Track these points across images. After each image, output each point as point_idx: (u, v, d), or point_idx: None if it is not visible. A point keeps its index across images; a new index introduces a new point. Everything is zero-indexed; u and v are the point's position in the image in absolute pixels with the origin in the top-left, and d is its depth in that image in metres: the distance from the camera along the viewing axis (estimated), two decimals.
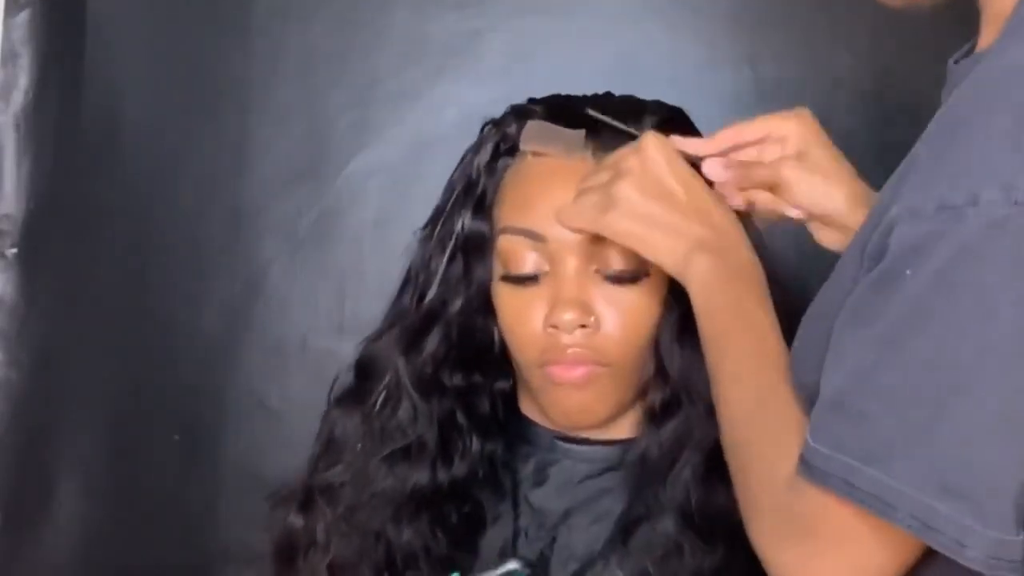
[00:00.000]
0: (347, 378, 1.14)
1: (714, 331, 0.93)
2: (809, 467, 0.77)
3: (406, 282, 1.13)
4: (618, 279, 1.03)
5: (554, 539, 1.07)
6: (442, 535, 1.08)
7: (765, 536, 0.83)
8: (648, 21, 1.50)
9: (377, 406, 1.10)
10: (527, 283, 1.04)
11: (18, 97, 1.50)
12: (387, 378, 1.10)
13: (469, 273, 1.08)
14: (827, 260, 0.90)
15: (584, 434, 1.09)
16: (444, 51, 1.53)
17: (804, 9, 1.48)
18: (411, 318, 1.10)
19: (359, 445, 1.10)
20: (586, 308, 1.02)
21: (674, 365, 1.04)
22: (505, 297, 1.06)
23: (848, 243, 0.88)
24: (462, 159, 1.11)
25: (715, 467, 0.99)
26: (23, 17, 1.49)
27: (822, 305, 0.86)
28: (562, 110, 1.07)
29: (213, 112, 1.55)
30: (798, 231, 1.05)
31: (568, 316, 1.01)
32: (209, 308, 1.55)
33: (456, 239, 1.08)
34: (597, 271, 1.03)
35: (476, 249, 1.08)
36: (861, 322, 0.76)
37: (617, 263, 1.02)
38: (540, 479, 1.09)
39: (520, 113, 1.09)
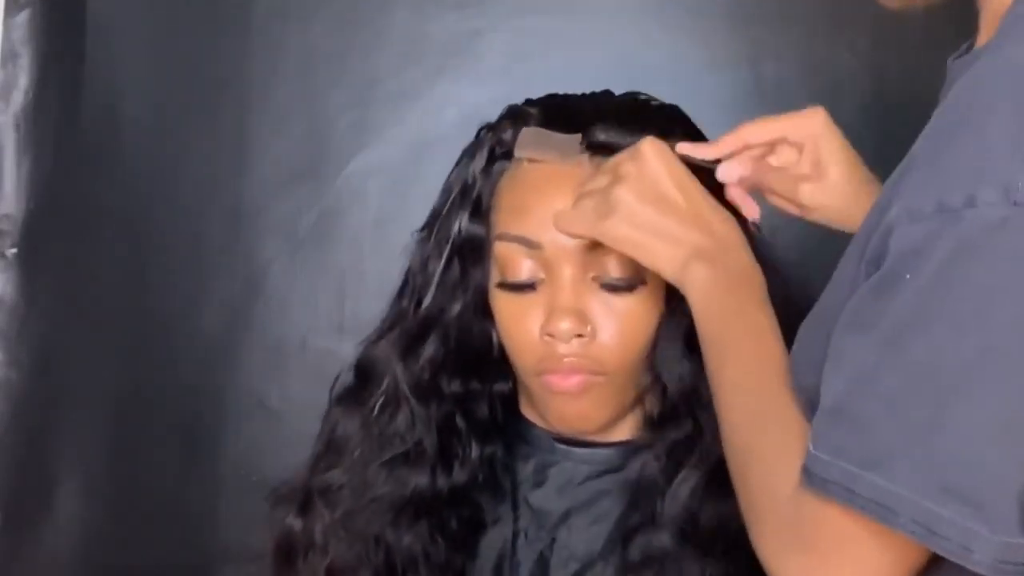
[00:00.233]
0: (348, 378, 1.14)
1: (714, 338, 0.92)
2: (810, 475, 0.77)
3: (404, 285, 1.12)
4: (615, 287, 1.02)
5: (554, 540, 1.07)
6: (441, 540, 1.08)
7: (768, 544, 0.82)
8: (648, 21, 1.50)
9: (376, 411, 1.10)
10: (523, 291, 1.03)
11: (18, 97, 1.50)
12: (385, 383, 1.09)
13: (466, 277, 1.08)
14: (831, 257, 0.90)
15: (584, 436, 1.08)
16: (444, 51, 1.53)
17: (804, 9, 1.48)
18: (408, 323, 1.09)
19: (357, 451, 1.10)
20: (582, 317, 1.01)
21: (673, 378, 1.04)
22: (502, 304, 1.05)
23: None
24: (458, 162, 1.11)
25: (714, 480, 0.99)
26: (23, 17, 1.49)
27: (822, 308, 0.85)
28: (558, 112, 1.07)
29: (213, 112, 1.55)
30: (799, 231, 1.05)
31: (564, 325, 1.01)
32: (209, 308, 1.55)
33: (453, 243, 1.07)
34: (594, 279, 1.02)
35: (473, 253, 1.07)
36: (861, 327, 0.76)
37: (614, 271, 1.02)
38: (540, 480, 1.09)
39: (516, 116, 1.08)
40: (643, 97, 1.11)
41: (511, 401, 1.13)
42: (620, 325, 1.02)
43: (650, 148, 0.96)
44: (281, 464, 1.18)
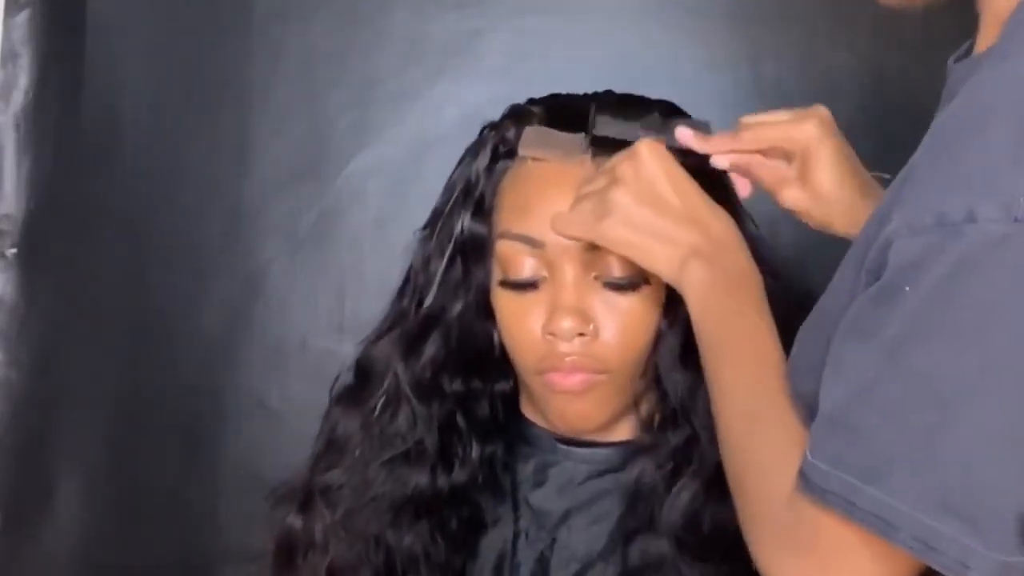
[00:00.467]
0: (348, 377, 1.14)
1: (711, 340, 0.92)
2: (808, 483, 0.76)
3: (405, 283, 1.12)
4: (617, 286, 1.02)
5: (554, 540, 1.07)
6: (442, 540, 1.08)
7: (765, 549, 0.82)
8: (648, 21, 1.50)
9: (376, 411, 1.10)
10: (526, 289, 1.04)
11: (18, 97, 1.50)
12: (386, 383, 1.10)
13: (468, 276, 1.08)
14: (830, 258, 0.90)
15: (585, 436, 1.08)
16: (444, 51, 1.53)
17: (804, 9, 1.48)
18: (410, 322, 1.09)
19: (358, 451, 1.10)
20: (584, 316, 1.01)
21: (673, 381, 1.04)
22: (504, 303, 1.05)
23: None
24: (461, 161, 1.11)
25: (714, 486, 0.99)
26: (23, 17, 1.49)
27: (821, 314, 0.85)
28: (561, 111, 1.07)
29: (213, 112, 1.55)
30: (800, 230, 1.05)
31: (566, 324, 1.01)
32: (209, 308, 1.55)
33: (455, 242, 1.07)
34: (596, 278, 1.02)
35: (475, 252, 1.07)
36: (861, 336, 0.75)
37: (616, 270, 1.02)
38: (540, 480, 1.09)
39: (519, 116, 1.08)
40: (643, 96, 1.10)
41: (512, 401, 1.13)
42: (622, 324, 1.02)
43: (647, 150, 0.96)
44: (281, 464, 1.18)
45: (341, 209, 1.55)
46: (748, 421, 0.87)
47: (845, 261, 0.83)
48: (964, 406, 0.71)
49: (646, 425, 1.07)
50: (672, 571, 1.02)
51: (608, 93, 1.11)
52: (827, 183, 0.99)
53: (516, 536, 1.08)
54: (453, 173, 1.11)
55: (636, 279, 1.02)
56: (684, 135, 1.01)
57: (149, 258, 1.56)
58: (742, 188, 1.04)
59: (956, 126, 0.76)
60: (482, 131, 1.11)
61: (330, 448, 1.13)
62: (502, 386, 1.11)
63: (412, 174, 1.51)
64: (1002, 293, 0.70)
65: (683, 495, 1.03)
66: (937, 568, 0.72)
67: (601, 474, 1.08)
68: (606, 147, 1.02)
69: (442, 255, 1.08)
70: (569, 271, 1.02)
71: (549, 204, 1.01)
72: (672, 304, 1.02)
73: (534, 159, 1.05)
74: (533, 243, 1.02)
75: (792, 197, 1.01)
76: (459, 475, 1.09)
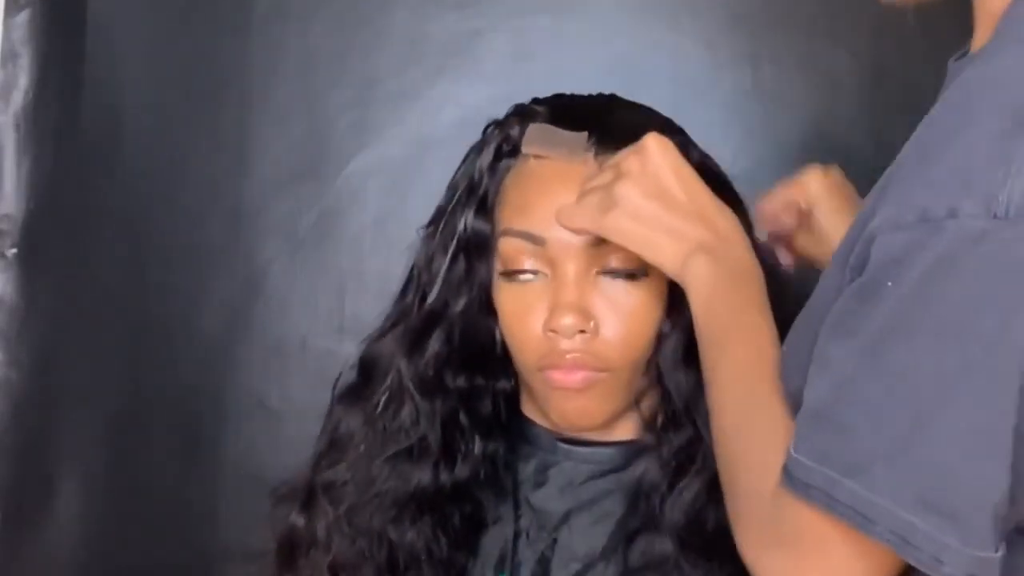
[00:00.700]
0: (351, 375, 1.14)
1: (711, 336, 0.92)
2: (791, 478, 0.77)
3: (409, 281, 1.13)
4: (617, 274, 1.02)
5: (555, 540, 1.07)
6: (444, 537, 1.08)
7: (751, 544, 0.83)
8: (648, 21, 1.50)
9: (380, 407, 1.10)
10: (527, 286, 1.04)
11: (18, 97, 1.50)
12: (389, 379, 1.10)
13: (471, 273, 1.08)
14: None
15: (586, 436, 1.08)
16: (444, 51, 1.53)
17: (804, 9, 1.48)
18: (413, 319, 1.10)
19: (361, 447, 1.10)
20: (586, 313, 1.01)
21: (677, 386, 1.04)
22: (505, 299, 1.05)
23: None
24: (465, 159, 1.11)
25: (716, 486, 0.99)
26: (23, 17, 1.49)
27: (809, 312, 0.85)
28: (565, 111, 1.07)
29: (213, 112, 1.55)
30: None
31: (567, 321, 1.01)
32: (209, 308, 1.55)
33: (458, 239, 1.08)
34: (597, 274, 1.02)
35: (478, 249, 1.07)
36: (844, 332, 0.76)
37: (618, 266, 1.02)
38: (541, 480, 1.09)
39: (523, 114, 1.08)
40: (646, 110, 1.10)
41: (513, 400, 1.13)
42: (623, 321, 1.02)
43: (654, 143, 0.96)
44: (281, 464, 1.18)
45: (341, 209, 1.55)
46: (740, 417, 0.88)
47: (832, 259, 0.84)
48: (943, 401, 0.72)
49: (648, 424, 1.07)
50: (674, 571, 1.02)
51: (613, 97, 1.11)
52: (832, 229, 1.06)
53: (517, 536, 1.08)
54: (457, 171, 1.11)
55: (637, 271, 1.02)
56: None
57: (149, 258, 1.56)
58: (784, 258, 1.12)
59: (939, 124, 0.76)
60: (486, 129, 1.11)
61: (333, 446, 1.13)
62: (504, 385, 1.11)
63: (412, 174, 1.51)
64: (981, 289, 0.71)
65: (685, 494, 1.03)
66: (912, 563, 0.73)
67: (603, 474, 1.08)
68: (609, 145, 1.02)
69: (445, 252, 1.08)
70: (570, 268, 1.02)
71: (551, 202, 1.01)
72: (675, 304, 1.02)
73: (537, 157, 1.05)
74: (534, 240, 1.03)
75: (801, 243, 1.10)
76: (461, 471, 1.09)
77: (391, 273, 1.15)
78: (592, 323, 1.01)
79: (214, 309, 1.55)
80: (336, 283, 1.54)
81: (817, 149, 1.38)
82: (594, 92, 1.12)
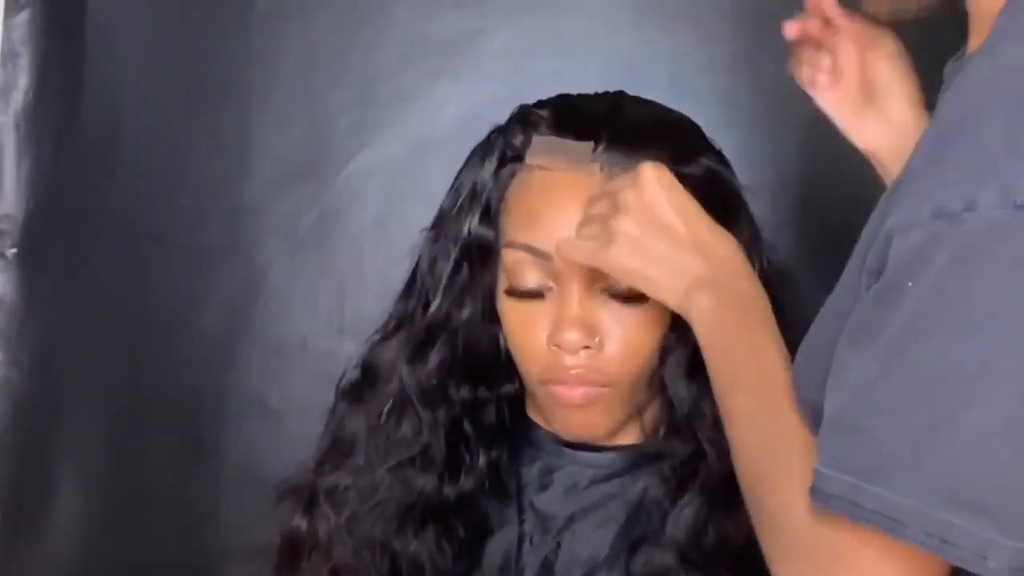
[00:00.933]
0: (355, 374, 1.13)
1: (720, 369, 0.91)
2: (815, 491, 0.76)
3: (411, 283, 1.11)
4: (623, 297, 1.00)
5: (559, 544, 1.06)
6: (448, 547, 1.07)
7: (786, 568, 0.81)
8: (648, 22, 1.50)
9: (383, 416, 1.09)
10: (532, 299, 1.02)
11: (18, 97, 1.50)
12: (392, 387, 1.09)
13: (474, 281, 1.06)
14: (830, 260, 0.90)
15: (590, 440, 1.08)
16: (444, 51, 1.53)
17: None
18: (416, 327, 1.09)
19: (363, 455, 1.09)
20: (590, 329, 1.00)
21: (680, 399, 1.03)
22: (509, 311, 1.04)
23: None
24: (468, 162, 1.09)
25: (718, 500, 0.99)
26: (23, 17, 1.49)
27: (824, 319, 0.84)
28: (570, 114, 1.05)
29: (213, 112, 1.55)
30: (800, 237, 1.05)
31: (572, 336, 1.00)
32: (209, 308, 1.55)
33: (461, 245, 1.06)
34: (603, 290, 1.01)
35: (481, 256, 1.06)
36: (863, 339, 0.75)
37: (622, 283, 1.00)
38: (546, 483, 1.08)
39: (526, 121, 1.06)
40: (657, 108, 1.09)
41: (517, 403, 1.12)
42: (627, 338, 1.01)
43: (650, 175, 0.94)
44: (281, 464, 1.18)
45: (341, 209, 1.55)
46: (762, 447, 0.86)
47: (847, 266, 0.82)
48: (969, 396, 0.70)
49: (651, 434, 1.06)
50: None
51: (620, 95, 1.09)
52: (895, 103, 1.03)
53: (521, 540, 1.07)
54: (459, 173, 1.09)
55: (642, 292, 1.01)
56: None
57: (149, 258, 1.56)
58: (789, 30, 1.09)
59: (948, 121, 0.76)
60: (490, 135, 1.09)
61: (335, 446, 1.12)
62: (508, 389, 1.10)
63: (412, 174, 1.51)
64: (1002, 280, 0.70)
65: (687, 511, 1.02)
66: (954, 562, 0.72)
67: (606, 479, 1.07)
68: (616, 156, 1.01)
69: (448, 258, 1.07)
70: (575, 283, 1.01)
71: (556, 214, 1.00)
72: (679, 317, 1.01)
73: (542, 167, 1.04)
74: (539, 254, 1.01)
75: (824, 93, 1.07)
76: (466, 482, 1.08)
77: (391, 273, 1.14)
78: (597, 339, 1.00)
79: (214, 309, 1.55)
80: (336, 283, 1.54)
81: (817, 149, 1.38)
82: (595, 91, 1.11)
